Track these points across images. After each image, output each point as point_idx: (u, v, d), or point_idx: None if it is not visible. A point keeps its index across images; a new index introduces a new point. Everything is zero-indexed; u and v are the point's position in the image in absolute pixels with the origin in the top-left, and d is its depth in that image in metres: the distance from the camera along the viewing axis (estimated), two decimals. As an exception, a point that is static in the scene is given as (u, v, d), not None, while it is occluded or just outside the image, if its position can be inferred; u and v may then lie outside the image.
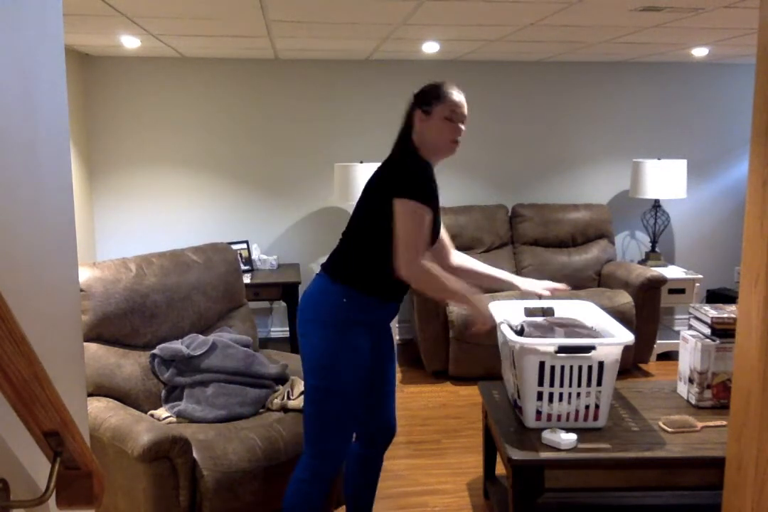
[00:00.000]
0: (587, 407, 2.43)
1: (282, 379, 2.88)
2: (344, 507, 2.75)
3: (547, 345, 2.36)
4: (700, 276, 4.75)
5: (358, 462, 2.47)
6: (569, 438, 2.30)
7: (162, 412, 2.67)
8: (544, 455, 2.27)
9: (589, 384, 2.40)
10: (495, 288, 4.59)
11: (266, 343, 5.04)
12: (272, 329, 5.22)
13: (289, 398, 2.76)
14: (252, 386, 2.76)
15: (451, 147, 2.16)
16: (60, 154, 1.27)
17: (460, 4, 2.92)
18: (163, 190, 4.96)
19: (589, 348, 2.36)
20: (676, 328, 5.33)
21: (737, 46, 4.19)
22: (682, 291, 4.75)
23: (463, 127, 2.16)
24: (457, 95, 2.15)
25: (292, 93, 4.94)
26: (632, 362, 4.49)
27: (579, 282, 4.78)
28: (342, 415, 2.17)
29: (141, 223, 4.98)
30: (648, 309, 4.41)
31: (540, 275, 4.77)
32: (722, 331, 2.62)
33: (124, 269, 2.80)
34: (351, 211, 3.86)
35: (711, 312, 2.69)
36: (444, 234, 2.42)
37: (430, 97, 2.14)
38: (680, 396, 2.78)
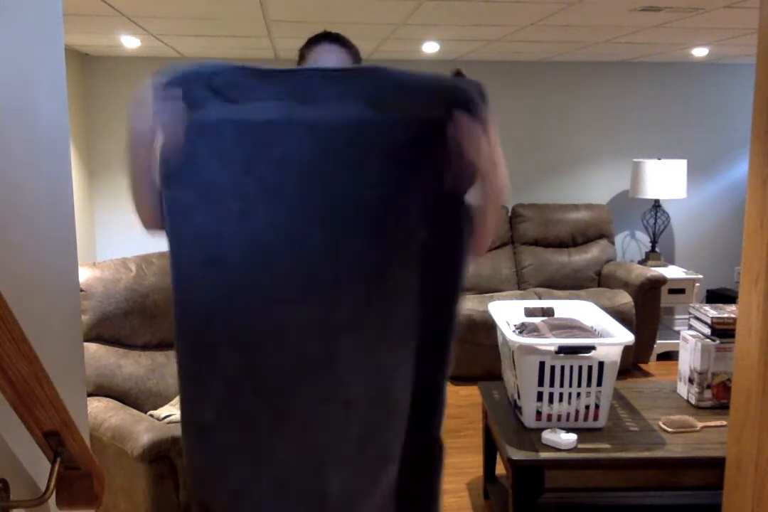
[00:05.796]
0: (587, 407, 2.43)
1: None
2: None
3: (547, 345, 2.37)
4: (700, 276, 4.75)
5: None
6: (569, 438, 2.30)
7: (162, 412, 2.67)
8: (544, 455, 2.26)
9: (589, 384, 2.40)
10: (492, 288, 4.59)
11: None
12: (272, 329, 5.21)
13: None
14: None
15: None
16: (60, 154, 1.27)
17: (460, 4, 2.92)
18: (163, 190, 4.95)
19: (589, 348, 2.36)
20: (676, 328, 5.33)
21: (737, 46, 4.19)
22: (682, 291, 4.75)
23: None
24: None
25: (292, 93, 4.94)
26: (632, 362, 4.49)
27: (579, 283, 4.78)
28: None
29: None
30: (648, 309, 4.41)
31: (540, 275, 4.77)
32: (722, 331, 2.62)
33: (124, 269, 2.80)
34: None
35: (711, 312, 2.69)
36: None
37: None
38: (680, 396, 2.78)
